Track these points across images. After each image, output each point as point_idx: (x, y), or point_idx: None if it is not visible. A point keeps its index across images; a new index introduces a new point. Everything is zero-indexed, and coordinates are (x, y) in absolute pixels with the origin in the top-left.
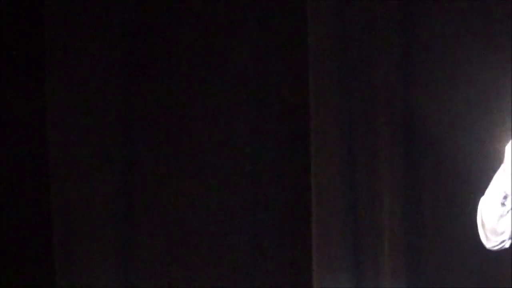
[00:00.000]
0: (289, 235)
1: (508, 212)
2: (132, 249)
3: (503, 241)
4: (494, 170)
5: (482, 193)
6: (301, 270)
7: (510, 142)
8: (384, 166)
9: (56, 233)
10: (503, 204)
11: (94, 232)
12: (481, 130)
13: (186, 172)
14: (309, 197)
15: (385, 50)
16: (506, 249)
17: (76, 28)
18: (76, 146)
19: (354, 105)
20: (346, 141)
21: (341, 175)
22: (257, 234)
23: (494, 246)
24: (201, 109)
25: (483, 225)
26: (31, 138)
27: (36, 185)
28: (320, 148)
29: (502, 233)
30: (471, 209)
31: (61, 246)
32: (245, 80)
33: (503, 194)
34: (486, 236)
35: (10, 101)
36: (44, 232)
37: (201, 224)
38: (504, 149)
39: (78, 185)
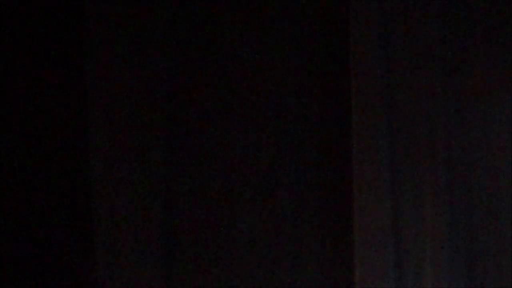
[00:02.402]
0: (331, 236)
1: None
2: (175, 250)
3: None
4: None
5: None
6: (343, 270)
7: None
8: (425, 166)
9: (98, 234)
10: None
11: (136, 233)
12: None
13: (228, 175)
14: (351, 197)
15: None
16: None
17: (119, 33)
18: (118, 148)
19: (396, 115)
20: (387, 140)
21: (383, 175)
22: (299, 236)
23: None
24: (245, 114)
25: None
26: (73, 142)
27: (77, 187)
28: (362, 150)
29: None
30: None
31: (103, 247)
32: (288, 99)
33: None
34: None
35: (51, 105)
36: (85, 232)
37: (244, 227)
38: None
39: (120, 186)
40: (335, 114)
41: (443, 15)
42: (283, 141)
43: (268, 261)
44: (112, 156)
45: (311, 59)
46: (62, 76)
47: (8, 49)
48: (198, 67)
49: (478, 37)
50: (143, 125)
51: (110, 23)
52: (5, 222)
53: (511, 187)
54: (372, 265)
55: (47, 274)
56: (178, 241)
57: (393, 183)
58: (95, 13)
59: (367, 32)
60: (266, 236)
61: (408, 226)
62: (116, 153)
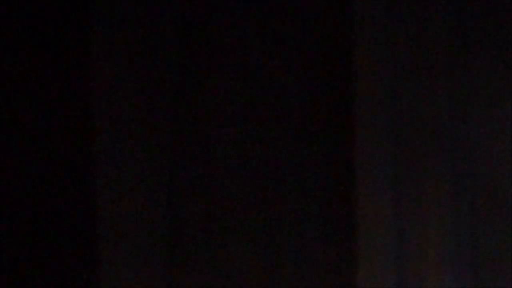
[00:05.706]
0: (335, 239)
1: None
2: (179, 250)
3: None
4: None
5: None
6: (346, 270)
7: None
8: (428, 170)
9: (102, 234)
10: None
11: (140, 233)
12: None
13: (231, 177)
14: (354, 199)
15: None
16: None
17: (124, 24)
18: (123, 151)
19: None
20: (391, 142)
21: (386, 178)
22: (303, 238)
23: None
24: (249, 118)
25: None
26: (78, 145)
27: (81, 186)
28: (365, 152)
29: None
30: None
31: (107, 247)
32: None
33: None
34: None
35: (57, 109)
36: (89, 232)
37: (247, 230)
38: None
39: (124, 185)
40: (339, 115)
41: (448, 17)
42: (288, 145)
43: (272, 264)
44: (116, 159)
45: (314, 68)
46: (67, 80)
47: (14, 52)
48: (202, 70)
49: (485, 40)
50: (148, 128)
51: (115, 26)
52: (12, 227)
53: None
54: (375, 267)
55: (51, 276)
56: (182, 242)
57: (396, 184)
58: (100, 16)
59: (371, 38)
60: (270, 239)
61: (410, 229)
62: (120, 156)
